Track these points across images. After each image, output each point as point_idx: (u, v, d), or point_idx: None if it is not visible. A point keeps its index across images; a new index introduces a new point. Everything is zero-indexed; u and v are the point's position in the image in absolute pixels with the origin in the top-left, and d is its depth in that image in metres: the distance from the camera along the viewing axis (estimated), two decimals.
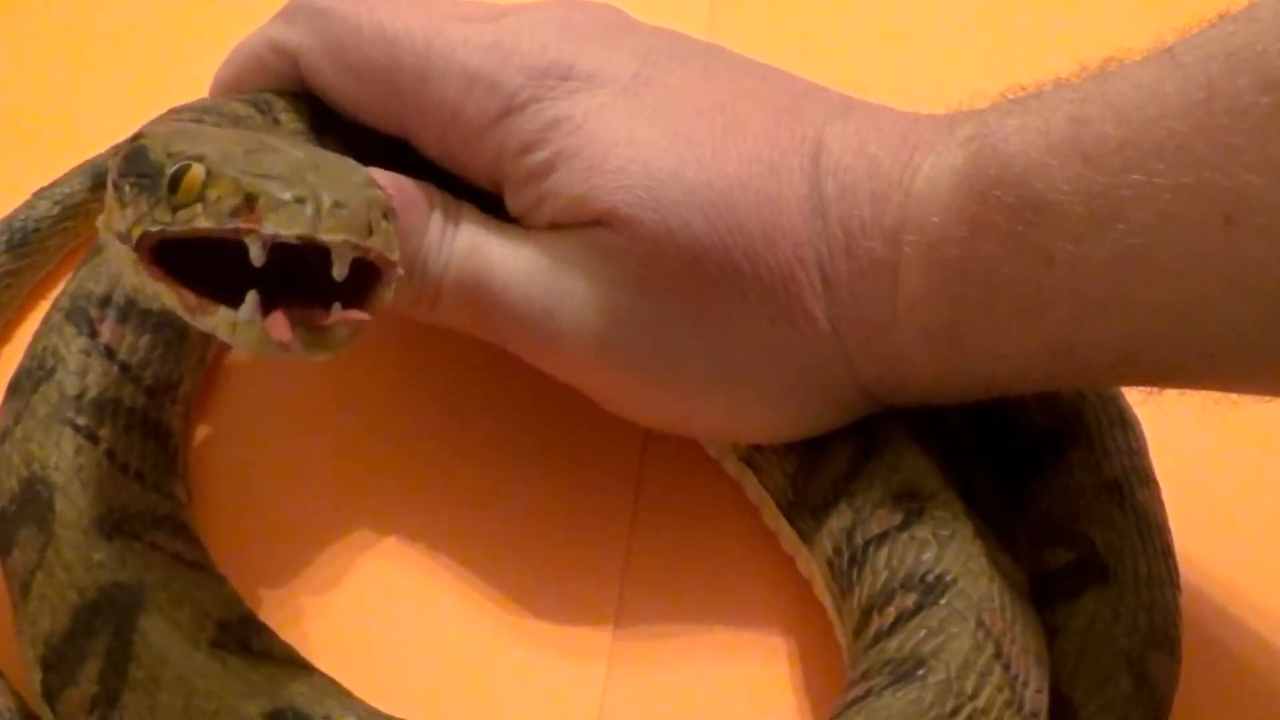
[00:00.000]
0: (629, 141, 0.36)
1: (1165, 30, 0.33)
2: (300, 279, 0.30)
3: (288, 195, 0.29)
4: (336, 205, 0.29)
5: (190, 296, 0.31)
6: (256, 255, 0.29)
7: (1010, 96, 0.35)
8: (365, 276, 0.31)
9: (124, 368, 0.38)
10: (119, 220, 0.33)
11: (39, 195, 0.46)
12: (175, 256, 0.31)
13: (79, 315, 0.38)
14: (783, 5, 0.59)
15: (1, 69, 0.53)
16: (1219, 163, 0.30)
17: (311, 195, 0.29)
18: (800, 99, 0.38)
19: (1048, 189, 0.32)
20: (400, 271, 0.32)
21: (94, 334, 0.38)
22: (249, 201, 0.29)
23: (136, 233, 0.31)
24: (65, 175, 0.47)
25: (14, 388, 0.38)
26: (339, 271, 0.29)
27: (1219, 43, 0.31)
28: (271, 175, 0.30)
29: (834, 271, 0.35)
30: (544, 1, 0.40)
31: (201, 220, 0.30)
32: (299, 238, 0.29)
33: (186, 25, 0.55)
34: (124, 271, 0.33)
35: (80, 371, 0.37)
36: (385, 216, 0.31)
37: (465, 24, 0.39)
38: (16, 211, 0.46)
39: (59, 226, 0.46)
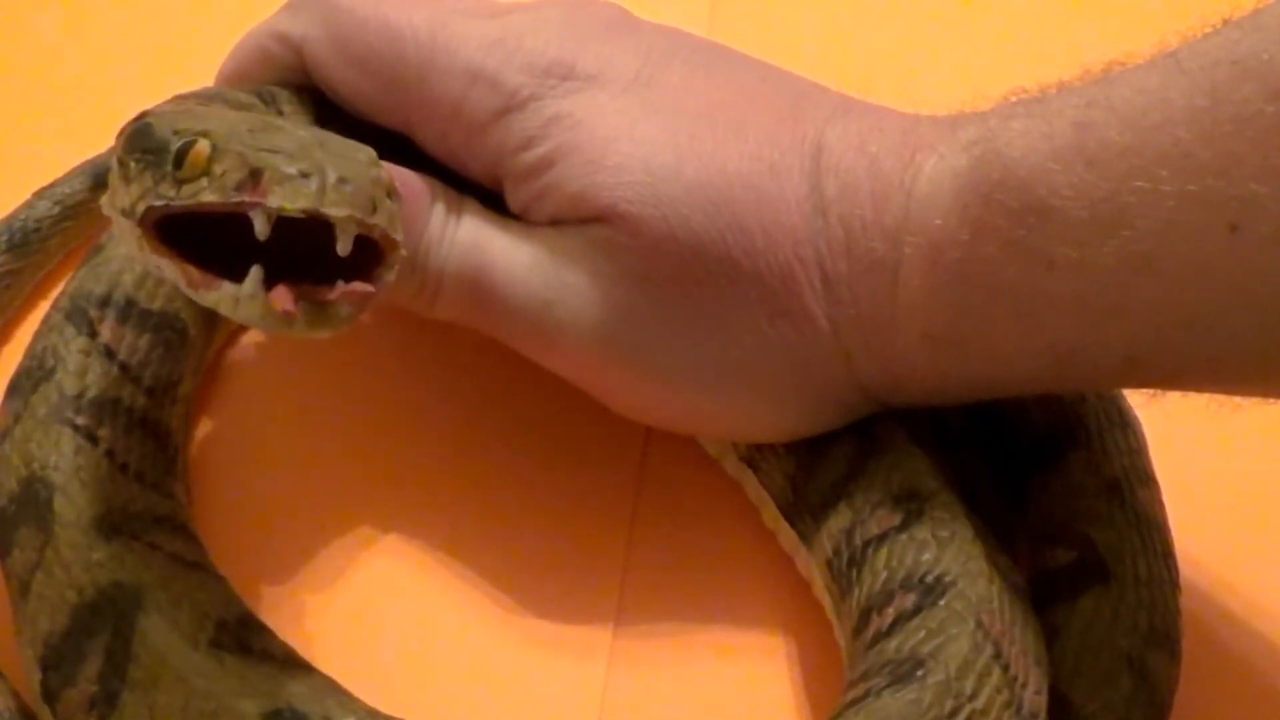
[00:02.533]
0: (629, 138, 0.36)
1: (1168, 33, 0.33)
2: (302, 263, 0.30)
3: (293, 169, 0.29)
4: (341, 180, 0.29)
5: (193, 271, 0.31)
6: (261, 228, 0.29)
7: (1013, 99, 0.35)
8: (368, 257, 0.31)
9: (124, 368, 0.38)
10: (123, 196, 0.32)
11: (39, 195, 0.46)
12: (179, 234, 0.31)
13: (79, 315, 0.38)
14: (783, 5, 0.59)
15: (1, 69, 0.53)
16: (1223, 170, 0.30)
17: (317, 170, 0.29)
18: (801, 99, 0.38)
19: (1051, 194, 0.32)
20: (404, 252, 0.32)
21: (94, 334, 0.38)
22: (254, 175, 0.29)
23: (141, 208, 0.31)
24: (65, 175, 0.47)
25: (13, 388, 0.38)
26: (343, 247, 0.29)
27: (1224, 50, 0.31)
28: (277, 150, 0.30)
29: (834, 270, 0.35)
30: None
31: (206, 194, 0.30)
32: (303, 211, 0.29)
33: (188, 24, 0.55)
34: (128, 248, 0.33)
35: (80, 371, 0.37)
36: (389, 195, 0.31)
37: (470, 20, 0.39)
38: (16, 211, 0.46)
39: (59, 226, 0.46)
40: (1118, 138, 0.31)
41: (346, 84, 0.40)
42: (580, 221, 0.36)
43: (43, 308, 0.42)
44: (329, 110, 0.41)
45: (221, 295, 0.30)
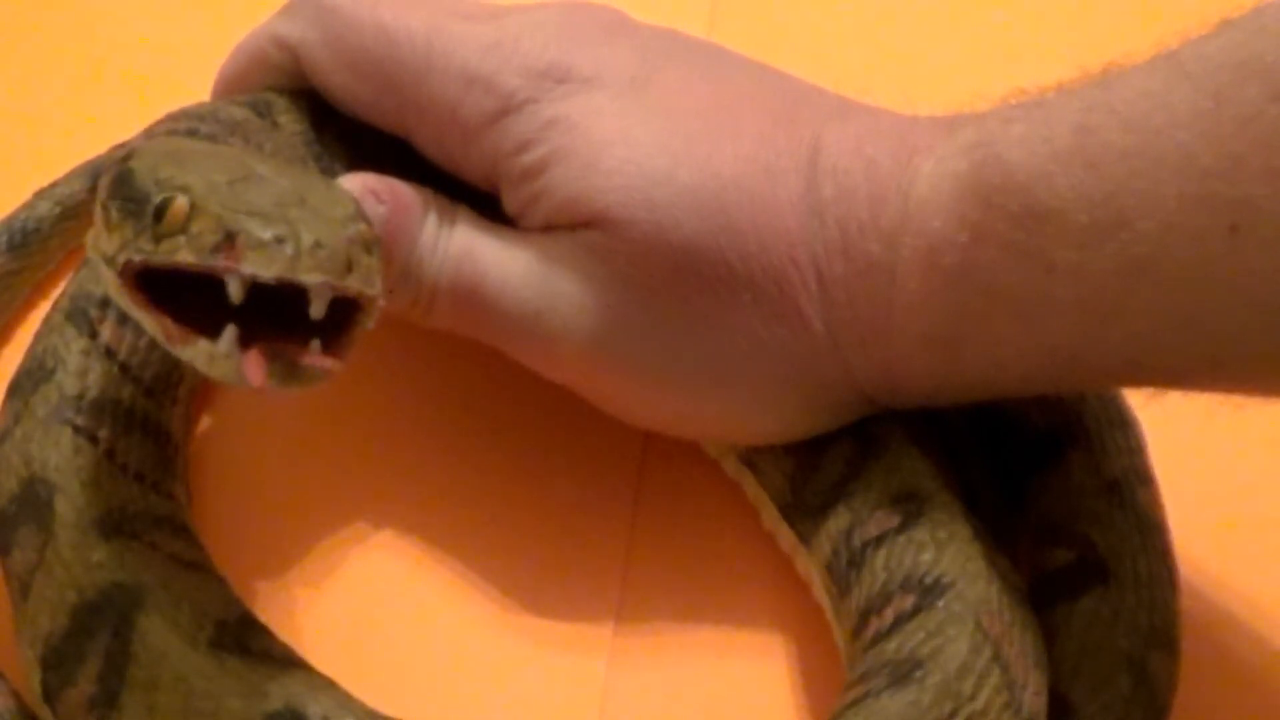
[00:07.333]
0: (624, 142, 0.36)
1: (1164, 33, 0.33)
2: (282, 307, 0.30)
3: (268, 234, 0.29)
4: (316, 245, 0.29)
5: (170, 325, 0.31)
6: (235, 292, 0.30)
7: (1011, 102, 0.35)
8: (346, 308, 0.31)
9: (124, 368, 0.38)
10: (105, 242, 0.33)
11: (39, 195, 0.46)
12: (160, 278, 0.32)
13: (79, 316, 0.39)
14: (783, 5, 0.59)
15: (1, 69, 0.53)
16: (1225, 173, 0.30)
17: (291, 235, 0.29)
18: (798, 101, 0.38)
19: (1051, 196, 0.32)
20: (382, 303, 0.32)
21: (94, 334, 0.38)
22: (229, 238, 0.30)
23: (121, 259, 0.32)
24: (65, 175, 0.47)
25: (14, 388, 0.38)
26: (316, 311, 0.30)
27: (1227, 52, 0.31)
28: (254, 212, 0.30)
29: (830, 273, 0.35)
30: (545, 2, 0.40)
31: (183, 254, 0.30)
32: (277, 278, 0.29)
33: (187, 25, 0.55)
34: (110, 293, 0.34)
35: (80, 372, 0.38)
36: (368, 250, 0.32)
37: (466, 23, 0.39)
38: (16, 211, 0.46)
39: (59, 226, 0.46)
40: (1119, 140, 0.31)
41: (343, 88, 0.40)
42: (574, 226, 0.36)
43: (43, 308, 0.42)
44: (326, 116, 0.41)
45: (197, 352, 0.31)
